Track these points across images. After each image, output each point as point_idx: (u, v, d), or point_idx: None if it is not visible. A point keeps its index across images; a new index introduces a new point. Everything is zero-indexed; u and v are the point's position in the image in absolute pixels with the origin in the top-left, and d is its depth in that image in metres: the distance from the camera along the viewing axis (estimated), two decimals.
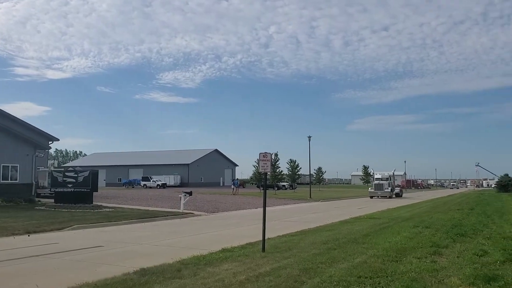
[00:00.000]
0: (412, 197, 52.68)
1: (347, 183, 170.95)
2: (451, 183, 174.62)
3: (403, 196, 53.50)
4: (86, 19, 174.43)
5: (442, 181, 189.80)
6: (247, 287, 6.69)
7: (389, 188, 48.30)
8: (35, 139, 31.69)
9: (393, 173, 52.40)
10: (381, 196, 47.43)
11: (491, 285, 6.64)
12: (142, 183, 76.49)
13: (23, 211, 22.41)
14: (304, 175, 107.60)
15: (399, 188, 53.74)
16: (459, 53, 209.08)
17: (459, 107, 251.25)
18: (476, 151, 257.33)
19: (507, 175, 70.17)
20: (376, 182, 48.98)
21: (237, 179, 68.84)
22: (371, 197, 47.72)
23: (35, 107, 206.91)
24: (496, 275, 7.14)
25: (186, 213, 23.42)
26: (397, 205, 32.47)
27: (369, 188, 50.64)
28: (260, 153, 11.03)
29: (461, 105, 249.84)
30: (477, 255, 9.14)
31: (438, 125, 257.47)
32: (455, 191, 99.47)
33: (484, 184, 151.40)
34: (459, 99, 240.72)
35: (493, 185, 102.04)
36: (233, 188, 52.71)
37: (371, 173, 55.51)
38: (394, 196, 49.84)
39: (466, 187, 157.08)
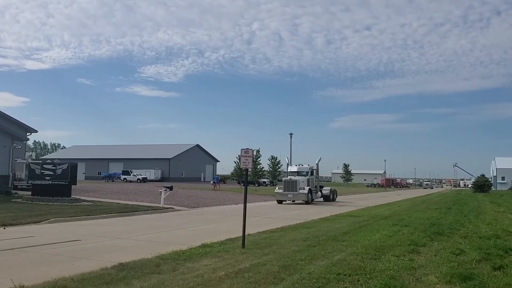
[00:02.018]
0: (350, 202, 33.95)
1: (327, 181, 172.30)
2: (425, 183, 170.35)
3: (336, 200, 36.86)
4: (67, 10, 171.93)
5: (421, 180, 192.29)
6: (226, 283, 6.66)
7: (307, 188, 31.16)
8: (13, 130, 31.06)
9: (317, 164, 35.14)
10: (294, 201, 32.05)
11: (467, 283, 6.73)
12: (122, 177, 75.78)
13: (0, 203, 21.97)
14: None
15: (329, 190, 36.10)
16: (439, 55, 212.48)
17: (438, 107, 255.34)
18: (454, 152, 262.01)
19: (483, 175, 71.61)
20: (287, 178, 32.19)
21: (218, 175, 68.73)
22: (279, 201, 31.82)
23: (13, 98, 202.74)
24: (472, 274, 7.25)
25: (167, 208, 23.27)
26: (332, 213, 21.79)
27: (276, 188, 33.21)
28: (242, 149, 11.00)
29: (441, 105, 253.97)
30: (454, 254, 9.26)
31: (418, 124, 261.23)
32: (430, 191, 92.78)
33: (461, 184, 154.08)
34: (438, 100, 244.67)
35: (469, 185, 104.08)
36: (214, 184, 52.57)
37: (287, 164, 38.30)
38: (320, 199, 34.74)
39: (442, 187, 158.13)
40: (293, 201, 31.72)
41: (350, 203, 34.57)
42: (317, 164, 34.91)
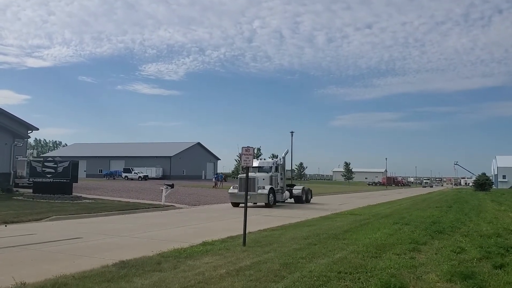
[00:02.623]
0: (326, 204, 28.82)
1: (329, 179, 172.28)
2: (424, 181, 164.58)
3: (311, 201, 31.52)
4: (68, 8, 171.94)
5: (422, 178, 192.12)
6: (227, 280, 6.66)
7: (268, 187, 25.26)
8: (14, 128, 31.10)
9: (284, 158, 29.49)
10: (256, 203, 25.42)
11: (468, 282, 6.73)
12: (124, 174, 75.82)
13: (1, 201, 22.01)
14: (286, 170, 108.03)
15: (301, 189, 30.44)
16: (440, 53, 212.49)
17: (439, 106, 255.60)
18: (455, 150, 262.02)
19: (484, 174, 71.68)
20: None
21: (221, 173, 68.77)
22: (235, 204, 25.34)
23: (14, 96, 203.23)
24: (473, 272, 7.24)
25: (168, 206, 23.30)
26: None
27: (231, 187, 26.31)
28: (242, 147, 11.01)
29: (442, 104, 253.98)
30: (455, 252, 9.26)
31: (419, 123, 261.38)
32: (430, 190, 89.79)
33: (462, 183, 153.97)
34: (439, 98, 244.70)
35: (470, 184, 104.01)
36: (215, 182, 52.57)
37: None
38: (291, 200, 29.62)
39: (442, 185, 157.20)
40: (254, 203, 25.29)
41: (325, 204, 29.43)
42: (284, 158, 29.29)
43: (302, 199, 29.80)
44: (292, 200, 29.69)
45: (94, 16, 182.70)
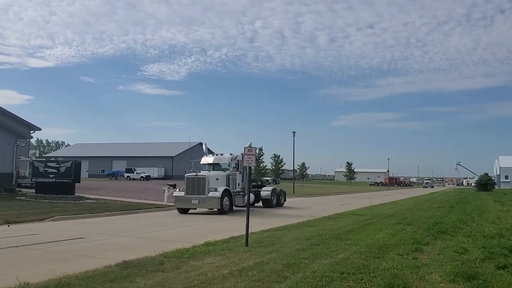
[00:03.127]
0: (302, 208, 24.46)
1: (331, 179, 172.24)
2: (425, 181, 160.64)
3: (284, 204, 26.82)
4: (70, 8, 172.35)
5: (424, 179, 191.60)
6: (230, 281, 6.67)
7: (221, 189, 20.51)
8: (16, 128, 31.15)
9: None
10: (212, 208, 20.98)
11: (471, 282, 6.72)
12: (126, 174, 75.90)
13: (3, 201, 22.05)
14: (288, 170, 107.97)
15: (270, 190, 25.61)
16: (442, 53, 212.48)
17: (441, 106, 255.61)
18: (457, 150, 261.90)
19: (486, 174, 71.46)
20: (192, 174, 21.03)
21: None
22: (182, 210, 20.93)
23: (17, 96, 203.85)
24: (476, 273, 7.23)
25: (170, 206, 23.29)
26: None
27: (177, 190, 21.96)
28: (245, 147, 11.02)
29: (444, 104, 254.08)
30: (458, 253, 9.25)
31: (421, 123, 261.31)
32: (431, 190, 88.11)
33: (464, 183, 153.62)
34: (442, 98, 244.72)
35: (473, 184, 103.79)
36: None
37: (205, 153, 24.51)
38: (259, 204, 25.21)
39: (444, 186, 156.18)
40: (210, 209, 20.95)
41: (302, 209, 24.84)
42: (244, 154, 21.31)
43: (271, 203, 25.35)
44: (261, 203, 25.34)
45: (95, 16, 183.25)
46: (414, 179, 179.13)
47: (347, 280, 6.79)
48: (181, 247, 9.77)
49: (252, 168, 11.60)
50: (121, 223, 16.17)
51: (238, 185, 22.33)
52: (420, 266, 7.90)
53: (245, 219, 10.78)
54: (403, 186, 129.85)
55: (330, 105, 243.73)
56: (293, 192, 45.82)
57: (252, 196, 23.37)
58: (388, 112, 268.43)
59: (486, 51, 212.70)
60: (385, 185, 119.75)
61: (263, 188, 26.00)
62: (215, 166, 22.33)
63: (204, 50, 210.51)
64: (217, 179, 20.98)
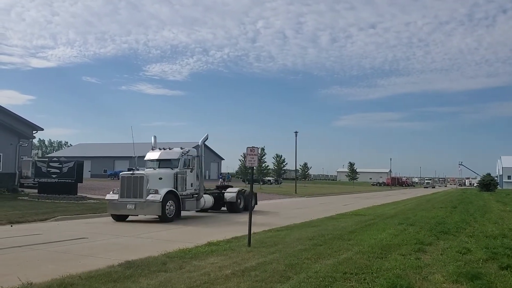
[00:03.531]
0: (276, 212, 21.29)
1: (333, 180, 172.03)
2: (426, 181, 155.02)
3: (255, 208, 21.26)
4: (72, 8, 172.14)
5: (425, 179, 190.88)
6: (233, 281, 6.67)
7: (163, 191, 16.53)
8: (19, 128, 31.19)
9: (201, 146, 19.71)
10: (159, 216, 16.51)
11: (474, 282, 6.71)
12: None
13: (6, 201, 22.09)
14: (290, 170, 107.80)
15: (235, 192, 21.58)
16: (444, 53, 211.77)
17: (444, 106, 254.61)
18: (460, 150, 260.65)
19: (489, 174, 71.22)
20: (128, 173, 17.46)
21: (228, 173, 68.84)
22: (116, 218, 17.01)
23: (19, 96, 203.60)
24: (479, 273, 7.21)
25: None
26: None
27: (110, 193, 17.48)
28: (247, 147, 11.01)
29: (446, 104, 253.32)
30: (461, 253, 9.23)
31: (423, 123, 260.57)
32: (433, 190, 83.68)
33: (466, 183, 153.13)
34: (444, 98, 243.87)
35: (475, 184, 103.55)
36: (221, 182, 52.49)
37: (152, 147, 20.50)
38: (208, 208, 20.38)
39: (446, 186, 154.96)
40: (159, 215, 16.50)
41: (276, 214, 21.08)
42: (201, 147, 19.60)
43: (237, 207, 21.30)
44: (226, 207, 21.75)
45: (98, 16, 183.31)
46: (416, 179, 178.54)
47: (350, 280, 6.79)
48: (184, 247, 9.78)
49: (255, 168, 11.59)
50: (123, 223, 16.20)
51: (191, 185, 18.33)
52: (423, 266, 7.89)
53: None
54: (406, 186, 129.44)
55: (332, 105, 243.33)
56: (295, 192, 45.78)
57: (209, 199, 20.02)
58: (390, 112, 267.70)
59: (488, 51, 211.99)
60: (387, 185, 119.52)
61: (228, 190, 22.14)
62: (162, 162, 18.41)
63: (206, 50, 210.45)
64: (160, 178, 17.13)
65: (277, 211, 23.56)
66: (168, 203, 16.51)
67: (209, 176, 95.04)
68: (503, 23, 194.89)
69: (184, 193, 17.77)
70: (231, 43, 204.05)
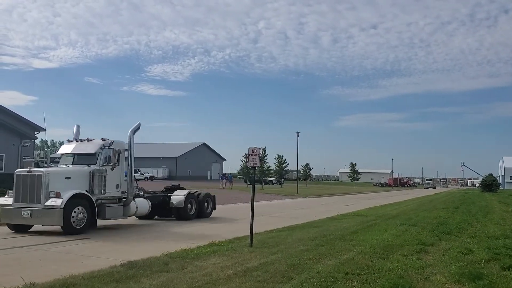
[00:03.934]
0: (235, 219, 17.53)
1: (335, 180, 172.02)
2: (426, 182, 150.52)
3: (212, 215, 18.84)
4: (74, 9, 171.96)
5: (425, 179, 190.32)
6: (235, 281, 6.68)
7: (66, 196, 12.41)
8: (21, 129, 31.30)
9: (131, 138, 14.89)
10: (30, 225, 13.22)
11: (476, 283, 6.70)
12: None
13: None
14: (292, 171, 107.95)
15: (185, 195, 17.43)
16: (446, 53, 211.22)
17: (445, 106, 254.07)
18: (462, 151, 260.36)
19: (491, 175, 71.05)
20: (23, 170, 13.26)
21: (230, 174, 68.84)
22: (12, 227, 13.20)
23: (21, 97, 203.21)
24: (481, 274, 7.21)
25: None
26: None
27: (5, 197, 13.39)
28: (249, 148, 11.02)
29: (448, 104, 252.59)
30: (462, 254, 9.22)
31: (425, 124, 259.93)
32: (434, 191, 79.35)
33: (468, 184, 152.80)
34: (445, 99, 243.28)
35: (477, 185, 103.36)
36: (224, 183, 52.44)
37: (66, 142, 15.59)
38: (126, 217, 14.95)
39: (447, 186, 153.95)
40: (60, 225, 12.85)
41: (234, 221, 17.68)
42: (131, 138, 15.15)
43: (186, 213, 17.43)
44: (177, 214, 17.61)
45: (99, 17, 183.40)
46: (418, 180, 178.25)
47: (351, 280, 6.80)
48: (186, 248, 9.79)
49: (256, 168, 11.60)
50: (125, 223, 16.20)
51: (116, 187, 14.46)
52: (425, 267, 7.89)
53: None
54: (408, 186, 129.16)
55: (334, 105, 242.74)
56: (297, 193, 45.75)
57: (144, 203, 15.96)
58: (392, 112, 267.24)
59: (490, 51, 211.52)
60: (389, 185, 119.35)
61: (175, 192, 18.04)
62: (78, 158, 14.45)
63: (208, 51, 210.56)
64: (67, 177, 13.32)
65: (278, 211, 23.58)
66: (75, 210, 12.64)
67: (211, 177, 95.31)
68: (505, 23, 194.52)
69: (105, 196, 13.92)
70: (233, 43, 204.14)
